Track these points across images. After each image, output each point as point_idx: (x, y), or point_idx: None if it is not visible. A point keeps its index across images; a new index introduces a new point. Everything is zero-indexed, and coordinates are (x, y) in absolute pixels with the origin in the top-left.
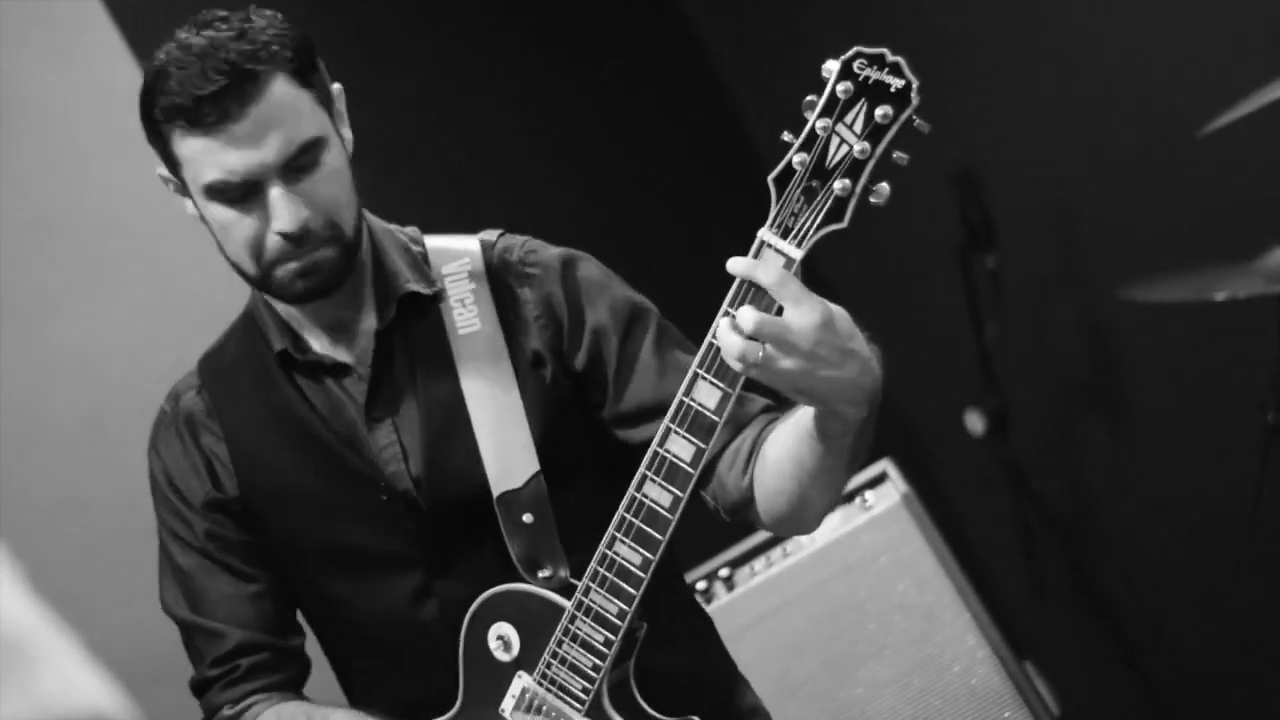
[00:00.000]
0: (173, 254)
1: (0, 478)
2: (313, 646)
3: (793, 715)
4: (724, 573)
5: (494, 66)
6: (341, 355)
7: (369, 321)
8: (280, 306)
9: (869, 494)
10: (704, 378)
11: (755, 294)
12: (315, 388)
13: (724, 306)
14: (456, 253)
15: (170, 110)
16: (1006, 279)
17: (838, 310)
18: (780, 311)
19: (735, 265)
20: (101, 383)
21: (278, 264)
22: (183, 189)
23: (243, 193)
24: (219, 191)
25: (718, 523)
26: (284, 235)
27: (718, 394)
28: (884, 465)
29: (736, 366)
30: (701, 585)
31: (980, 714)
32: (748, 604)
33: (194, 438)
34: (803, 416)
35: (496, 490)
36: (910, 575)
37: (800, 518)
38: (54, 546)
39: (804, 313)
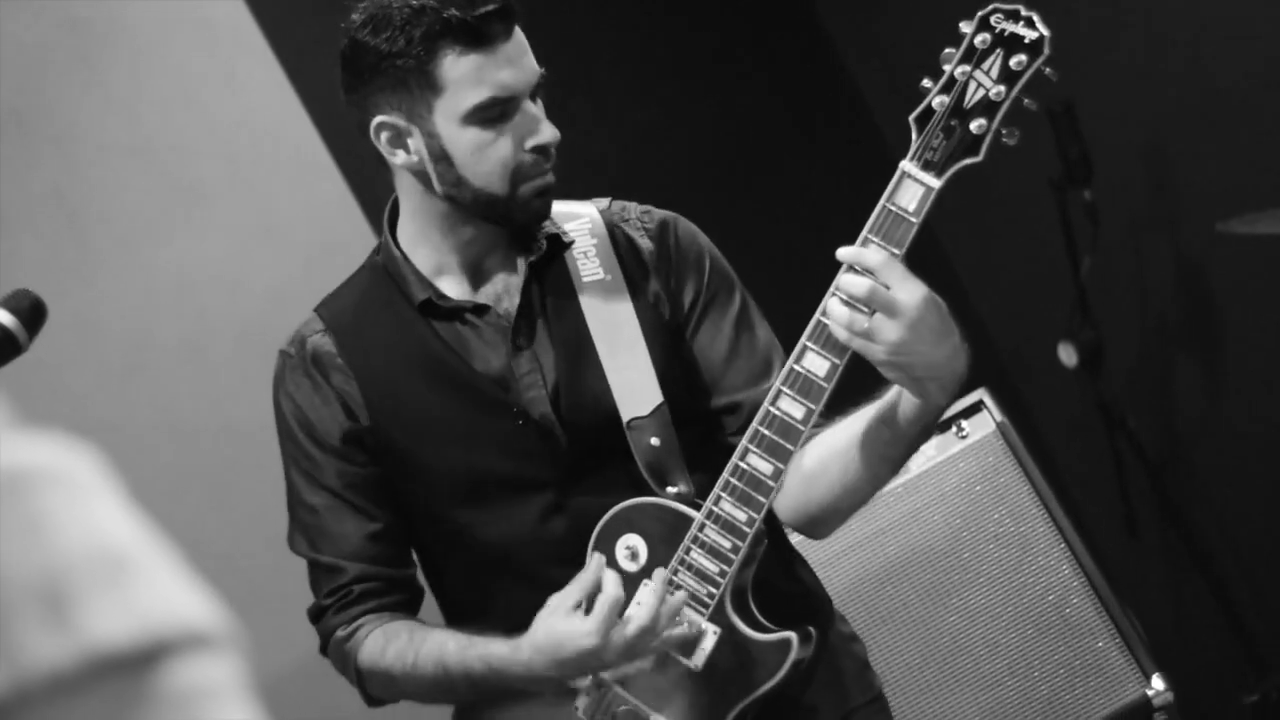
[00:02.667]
0: (271, 181)
1: (100, 401)
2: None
3: (886, 642)
4: None
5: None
6: (481, 297)
7: (505, 266)
8: (424, 258)
9: (964, 423)
10: (812, 349)
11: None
12: (453, 330)
13: (831, 288)
14: (576, 213)
15: (448, 28)
16: (1103, 213)
17: (937, 297)
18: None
19: (843, 253)
20: (201, 308)
21: (526, 180)
22: (411, 127)
23: (502, 111)
24: (483, 111)
25: None
26: (541, 148)
27: (826, 364)
28: (979, 394)
29: (842, 335)
30: None
31: (1073, 643)
32: (841, 531)
33: (324, 376)
34: (872, 409)
35: (625, 416)
36: (1005, 504)
37: (826, 515)
38: (152, 470)
39: (909, 288)
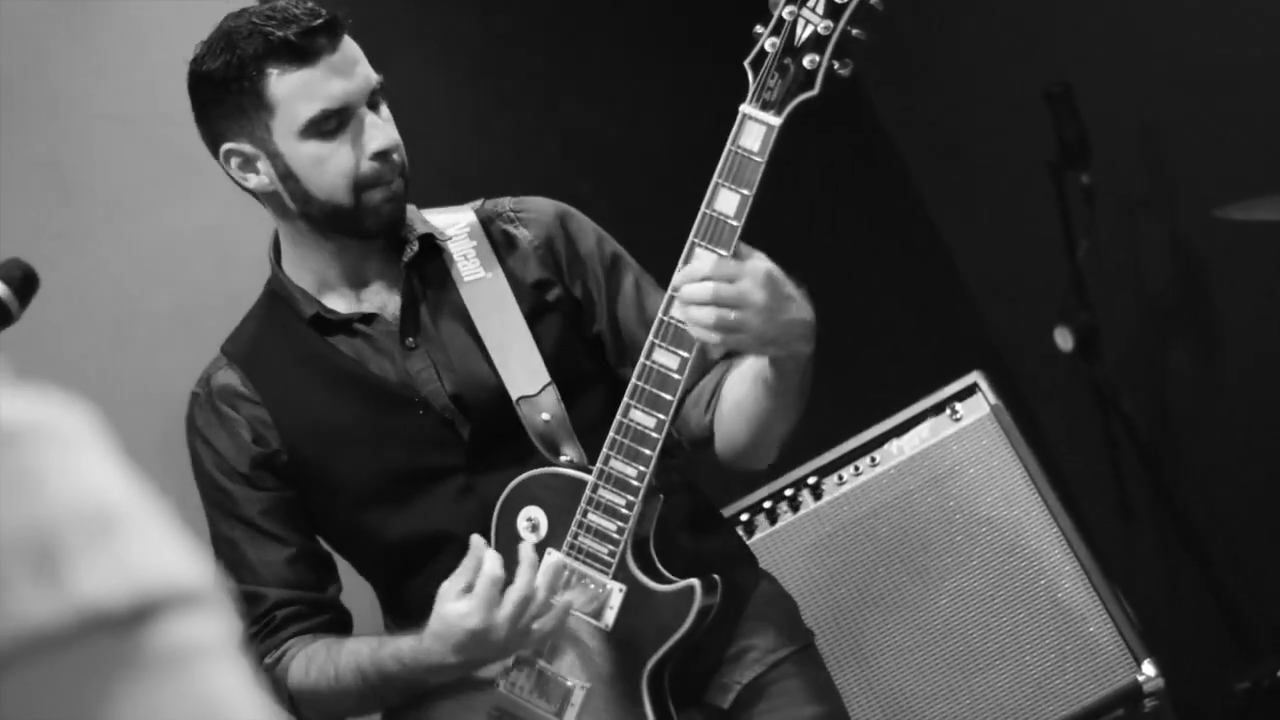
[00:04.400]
0: None
1: (89, 369)
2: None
3: (877, 624)
4: (811, 480)
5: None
6: (365, 306)
7: (385, 273)
8: (307, 279)
9: (959, 405)
10: (661, 347)
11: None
12: (346, 341)
13: (669, 291)
14: (452, 220)
15: (271, 49)
16: (1101, 196)
17: (771, 265)
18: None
19: (676, 281)
20: (190, 277)
21: (371, 188)
22: (257, 151)
23: (338, 123)
24: (317, 124)
25: (802, 433)
26: (380, 154)
27: (676, 360)
28: (974, 377)
29: (713, 337)
30: (789, 492)
31: (1065, 628)
32: (834, 512)
33: (232, 407)
34: (755, 366)
35: (514, 395)
36: (998, 488)
37: (754, 454)
38: (140, 438)
39: (749, 273)
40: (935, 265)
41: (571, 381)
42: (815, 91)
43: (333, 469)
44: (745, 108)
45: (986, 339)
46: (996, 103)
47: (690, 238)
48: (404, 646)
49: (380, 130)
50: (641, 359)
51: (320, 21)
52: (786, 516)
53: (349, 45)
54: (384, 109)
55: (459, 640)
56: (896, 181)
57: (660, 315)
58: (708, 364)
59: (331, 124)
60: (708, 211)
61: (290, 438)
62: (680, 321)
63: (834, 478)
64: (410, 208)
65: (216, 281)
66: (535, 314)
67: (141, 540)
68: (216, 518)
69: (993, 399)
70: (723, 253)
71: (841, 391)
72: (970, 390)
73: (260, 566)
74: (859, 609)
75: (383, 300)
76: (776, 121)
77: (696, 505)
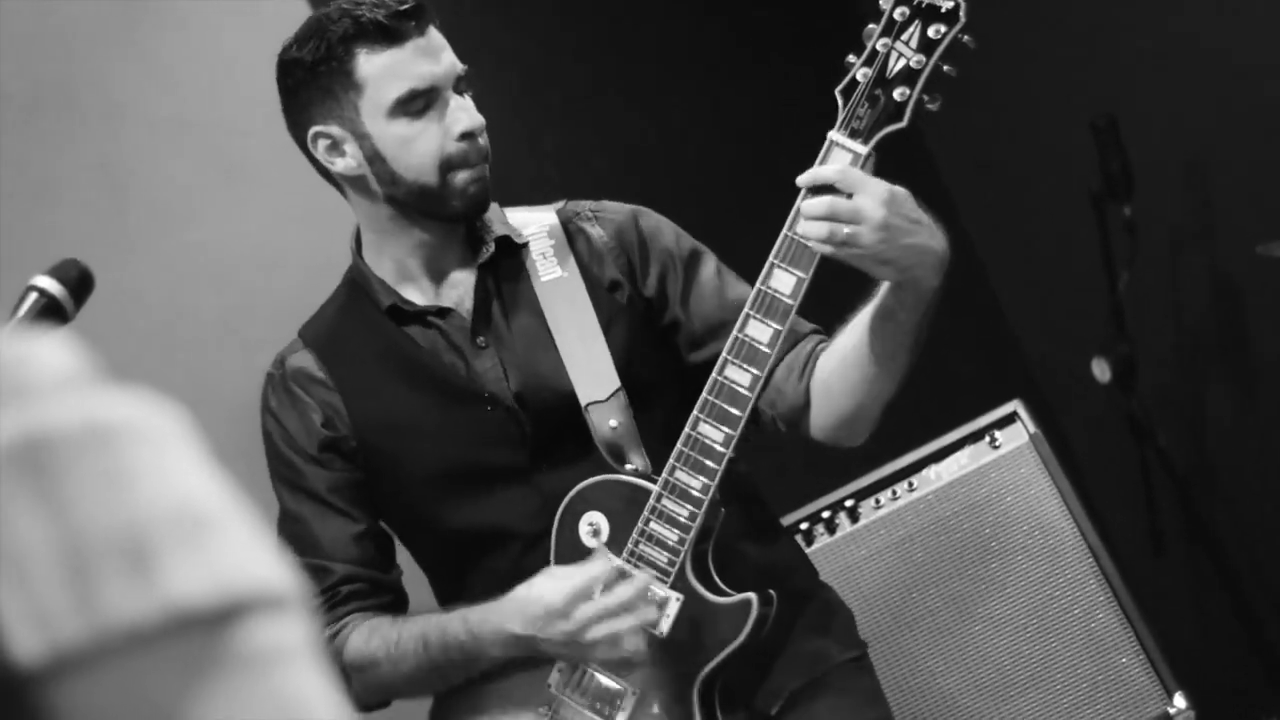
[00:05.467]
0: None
1: (134, 377)
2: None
3: (910, 648)
4: (848, 504)
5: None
6: (442, 300)
7: (463, 270)
8: (386, 268)
9: (998, 433)
10: (780, 266)
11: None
12: (421, 332)
13: (796, 205)
14: (533, 217)
15: (360, 30)
16: (1142, 229)
17: (899, 188)
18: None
19: (802, 179)
20: (237, 286)
21: (458, 169)
22: (345, 133)
23: (425, 103)
24: (404, 104)
25: (841, 456)
26: (466, 135)
27: (792, 280)
28: (1014, 405)
29: (825, 249)
30: (826, 515)
31: (1097, 658)
32: (870, 536)
33: (304, 390)
34: (869, 308)
35: (583, 401)
36: (1035, 516)
37: (852, 420)
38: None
39: (870, 190)
40: (976, 293)
41: (641, 389)
42: (904, 124)
43: (399, 458)
44: (834, 135)
45: (1024, 368)
46: (1041, 133)
47: (770, 259)
48: (474, 609)
49: (466, 112)
50: (714, 374)
51: (409, 6)
52: (823, 539)
53: (436, 33)
54: (469, 97)
55: (532, 612)
56: (939, 209)
57: (735, 332)
58: (797, 335)
59: (419, 104)
60: (790, 234)
61: (360, 425)
62: (801, 237)
63: (871, 501)
64: (493, 206)
65: (266, 288)
66: (609, 317)
67: (230, 542)
68: (285, 494)
69: (1032, 428)
70: (800, 274)
71: (881, 416)
72: (1010, 419)
73: (326, 541)
74: (893, 633)
75: (459, 296)
76: (864, 150)
77: (758, 514)
